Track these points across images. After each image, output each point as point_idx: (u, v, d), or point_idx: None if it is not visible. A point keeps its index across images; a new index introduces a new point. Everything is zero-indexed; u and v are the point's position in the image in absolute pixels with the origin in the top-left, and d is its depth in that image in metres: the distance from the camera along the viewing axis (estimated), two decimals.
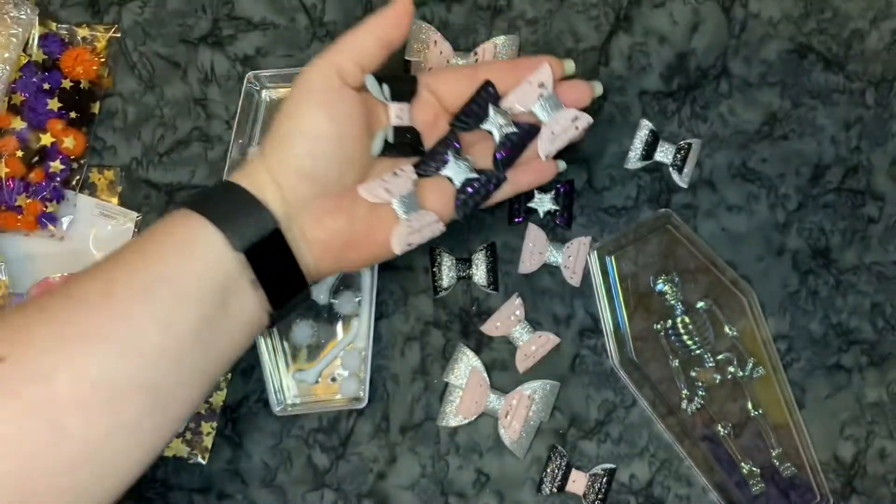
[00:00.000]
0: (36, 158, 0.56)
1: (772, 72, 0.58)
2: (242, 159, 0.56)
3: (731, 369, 0.56)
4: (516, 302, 0.57)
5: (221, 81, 0.58)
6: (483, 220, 0.58)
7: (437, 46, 0.57)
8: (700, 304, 0.57)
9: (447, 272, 0.56)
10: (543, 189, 0.56)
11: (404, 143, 0.48)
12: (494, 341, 0.57)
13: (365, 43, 0.46)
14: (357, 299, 0.56)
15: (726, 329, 0.57)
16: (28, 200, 0.55)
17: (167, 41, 0.58)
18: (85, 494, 0.40)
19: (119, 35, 0.58)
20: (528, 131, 0.50)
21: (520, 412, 0.56)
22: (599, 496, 0.56)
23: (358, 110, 0.46)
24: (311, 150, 0.45)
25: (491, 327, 0.57)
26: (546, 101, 0.50)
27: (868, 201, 0.58)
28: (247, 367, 0.57)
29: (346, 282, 0.57)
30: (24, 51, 0.57)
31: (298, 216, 0.45)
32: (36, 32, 0.57)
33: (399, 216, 0.48)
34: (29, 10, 0.57)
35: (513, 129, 0.49)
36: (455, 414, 0.56)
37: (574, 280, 0.57)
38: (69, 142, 0.56)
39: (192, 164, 0.58)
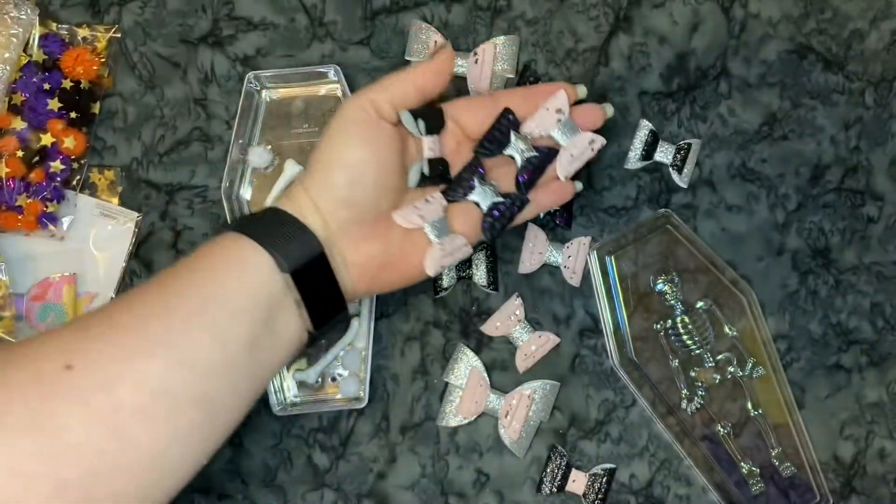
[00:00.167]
0: (36, 158, 0.56)
1: (771, 72, 0.59)
2: (242, 159, 0.56)
3: (731, 369, 0.56)
4: (516, 302, 0.57)
5: (221, 81, 0.58)
6: None
7: (438, 47, 0.57)
8: (700, 304, 0.57)
9: (447, 272, 0.57)
10: None
11: (437, 174, 0.50)
12: (494, 341, 0.57)
13: (405, 89, 0.49)
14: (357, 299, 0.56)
15: (726, 329, 0.57)
16: (28, 200, 0.55)
17: (167, 41, 0.58)
18: (146, 501, 0.41)
19: (119, 35, 0.58)
20: (547, 154, 0.52)
21: (520, 412, 0.56)
22: (599, 496, 0.56)
23: (393, 141, 0.48)
24: (351, 178, 0.47)
25: (491, 327, 0.57)
26: (564, 126, 0.51)
27: (868, 201, 0.58)
28: None
29: None
30: (25, 51, 0.57)
31: (338, 240, 0.47)
32: (36, 32, 0.57)
33: (431, 240, 0.49)
34: (29, 10, 0.57)
35: (533, 153, 0.51)
36: (455, 414, 0.56)
37: (574, 280, 0.57)
38: (69, 142, 0.56)
39: (193, 164, 0.58)
